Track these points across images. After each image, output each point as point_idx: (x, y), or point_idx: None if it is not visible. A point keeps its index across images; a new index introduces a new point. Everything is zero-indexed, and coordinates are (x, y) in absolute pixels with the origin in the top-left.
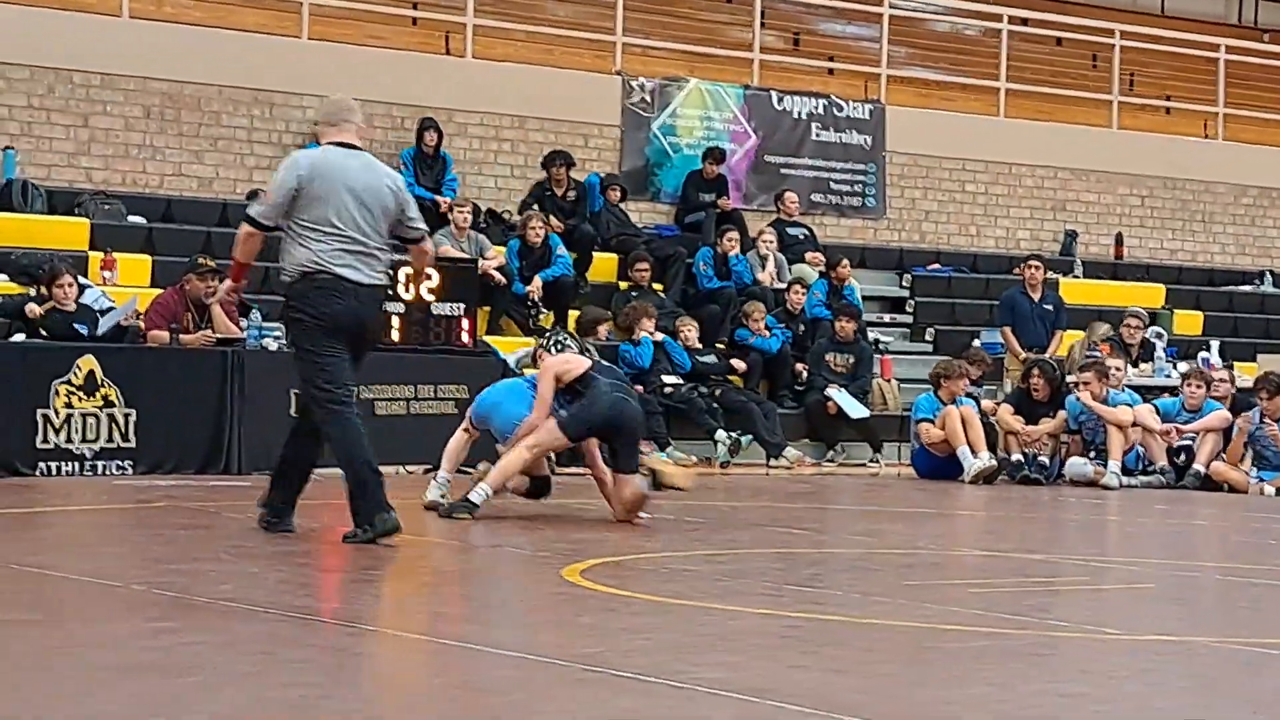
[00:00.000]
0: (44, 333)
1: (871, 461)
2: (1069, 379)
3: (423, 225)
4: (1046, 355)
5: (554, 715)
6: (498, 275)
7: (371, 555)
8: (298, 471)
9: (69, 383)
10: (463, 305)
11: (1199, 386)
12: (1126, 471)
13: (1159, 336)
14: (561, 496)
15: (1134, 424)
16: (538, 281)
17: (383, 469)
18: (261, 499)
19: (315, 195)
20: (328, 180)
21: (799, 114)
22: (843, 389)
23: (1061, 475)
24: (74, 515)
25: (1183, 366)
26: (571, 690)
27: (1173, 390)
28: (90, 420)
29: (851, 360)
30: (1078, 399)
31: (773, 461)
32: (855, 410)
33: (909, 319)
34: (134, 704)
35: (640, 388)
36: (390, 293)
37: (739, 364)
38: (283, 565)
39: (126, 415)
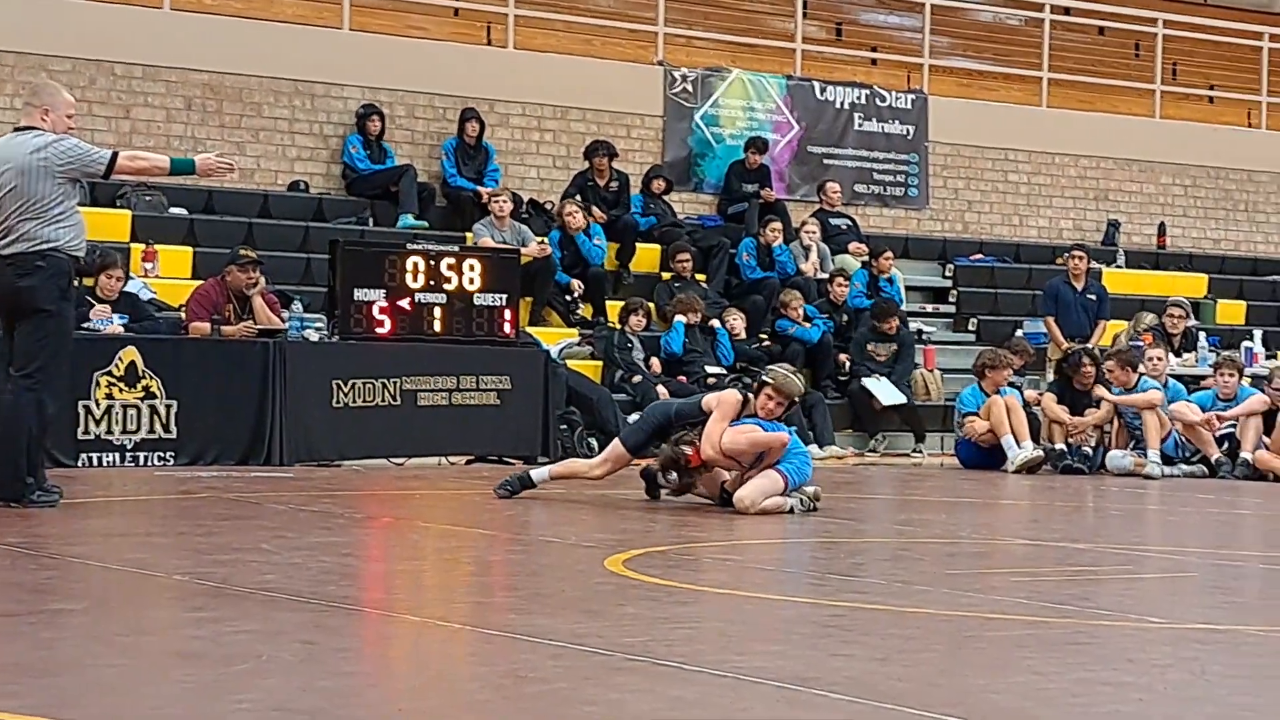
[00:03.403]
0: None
1: (914, 451)
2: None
3: (95, 155)
4: (1090, 345)
5: (597, 705)
6: (544, 250)
7: (415, 545)
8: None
9: (110, 374)
10: (504, 296)
11: (1231, 375)
12: (1167, 460)
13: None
14: (604, 488)
15: (1162, 405)
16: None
17: (423, 460)
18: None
19: None
20: None
21: (841, 104)
22: (881, 378)
23: (1104, 466)
24: (116, 506)
25: (1212, 357)
26: (615, 679)
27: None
28: (131, 411)
29: (894, 349)
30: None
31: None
32: (890, 396)
33: (952, 309)
34: (180, 693)
35: (683, 378)
36: (40, 263)
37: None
38: (325, 555)
39: (168, 406)
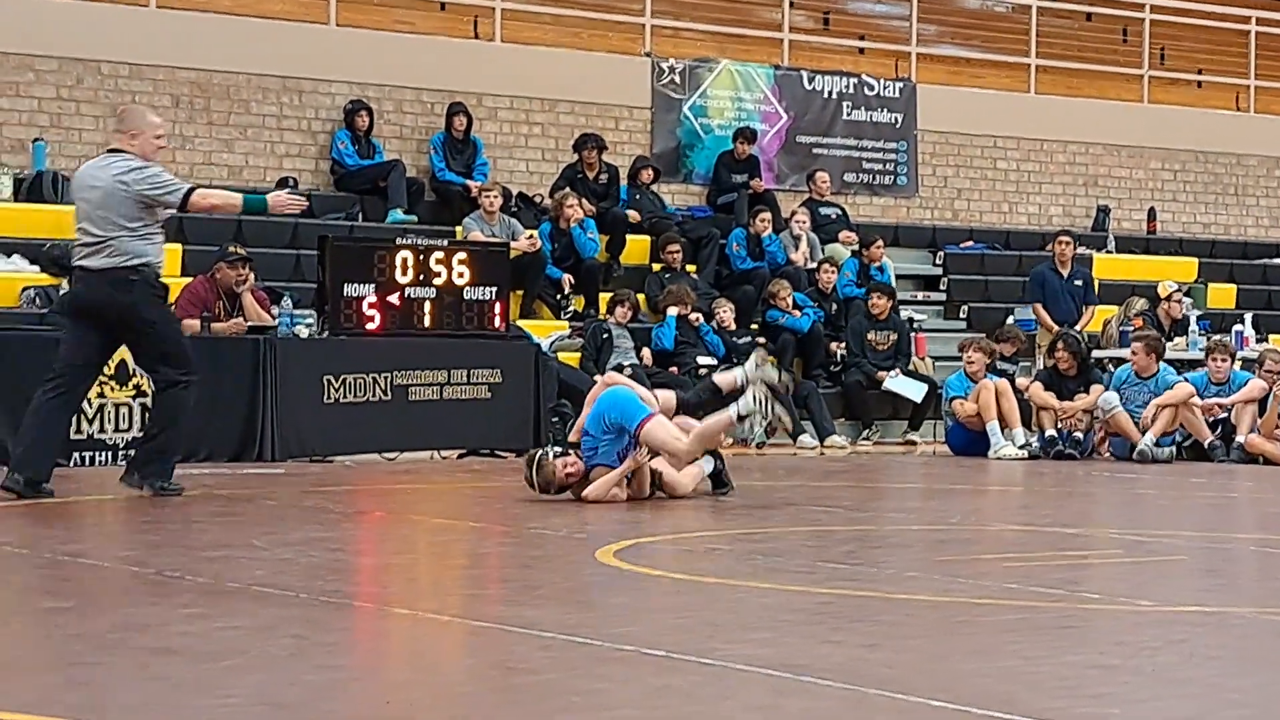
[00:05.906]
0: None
1: (910, 438)
2: (1100, 355)
3: (172, 187)
4: (1078, 330)
5: (586, 695)
6: (533, 243)
7: (405, 539)
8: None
9: (101, 373)
10: (495, 289)
11: (1224, 360)
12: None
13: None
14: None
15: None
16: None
17: (415, 454)
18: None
19: (74, 202)
20: (75, 187)
21: (830, 93)
22: (897, 373)
23: (1097, 451)
24: (108, 504)
25: (1203, 341)
26: (604, 669)
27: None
28: (123, 410)
29: (893, 337)
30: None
31: (821, 443)
32: (916, 392)
33: (942, 297)
34: (169, 689)
35: (675, 369)
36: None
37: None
38: (315, 550)
39: None
